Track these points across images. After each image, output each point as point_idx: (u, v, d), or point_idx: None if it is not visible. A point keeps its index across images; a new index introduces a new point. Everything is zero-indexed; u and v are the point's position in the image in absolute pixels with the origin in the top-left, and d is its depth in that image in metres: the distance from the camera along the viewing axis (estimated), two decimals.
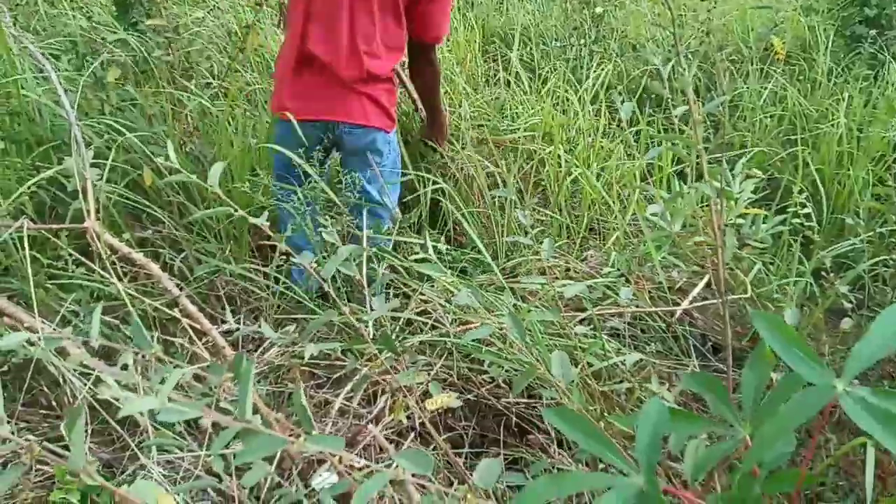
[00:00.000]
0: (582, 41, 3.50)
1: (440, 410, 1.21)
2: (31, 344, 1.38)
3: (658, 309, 1.84)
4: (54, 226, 1.59)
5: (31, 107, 2.00)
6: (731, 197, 1.90)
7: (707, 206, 2.07)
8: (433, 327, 1.79)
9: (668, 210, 1.85)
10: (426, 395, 1.36)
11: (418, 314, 1.81)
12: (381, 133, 2.08)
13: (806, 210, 1.72)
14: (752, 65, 3.28)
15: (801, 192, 1.87)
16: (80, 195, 1.49)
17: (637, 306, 1.97)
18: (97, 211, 1.60)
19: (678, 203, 2.03)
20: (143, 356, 1.29)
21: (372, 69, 1.98)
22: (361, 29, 1.95)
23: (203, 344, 1.67)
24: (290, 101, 2.02)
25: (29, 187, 1.67)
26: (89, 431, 1.37)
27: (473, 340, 1.70)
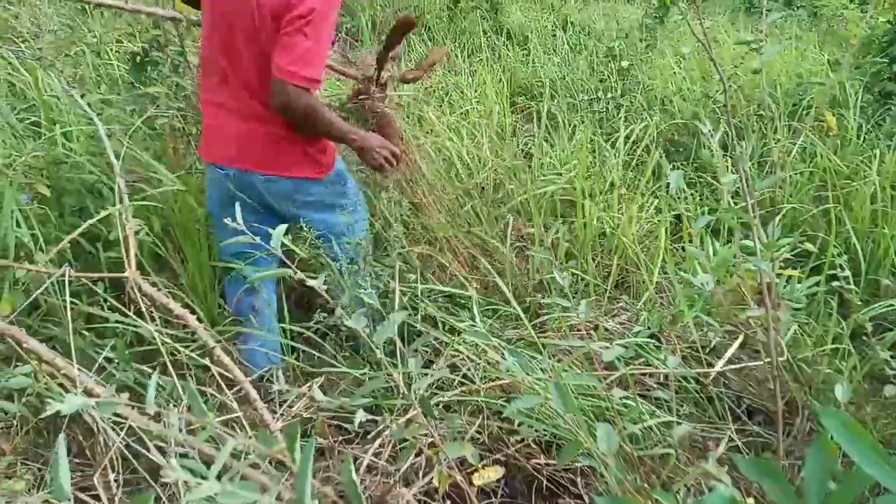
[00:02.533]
0: (609, 95, 3.54)
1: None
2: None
3: (693, 371, 1.80)
4: (96, 275, 1.62)
5: (75, 155, 2.07)
6: (769, 256, 1.88)
7: (742, 263, 2.06)
8: (461, 383, 1.77)
9: (702, 269, 1.84)
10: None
11: (448, 367, 1.80)
12: (311, 183, 1.90)
13: (845, 273, 1.69)
14: (780, 121, 3.29)
15: (839, 254, 1.84)
16: (122, 245, 1.53)
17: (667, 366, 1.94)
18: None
19: (711, 261, 2.02)
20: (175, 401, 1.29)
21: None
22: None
23: (233, 393, 1.68)
24: (204, 145, 1.94)
25: (72, 237, 1.70)
26: (120, 482, 1.36)
27: (505, 400, 1.69)
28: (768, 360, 1.85)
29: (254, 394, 1.52)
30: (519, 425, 1.66)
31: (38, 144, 1.96)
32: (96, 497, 1.38)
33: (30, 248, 1.86)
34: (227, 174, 1.88)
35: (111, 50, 3.18)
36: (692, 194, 2.63)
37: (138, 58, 2.28)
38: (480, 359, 1.76)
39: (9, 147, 2.16)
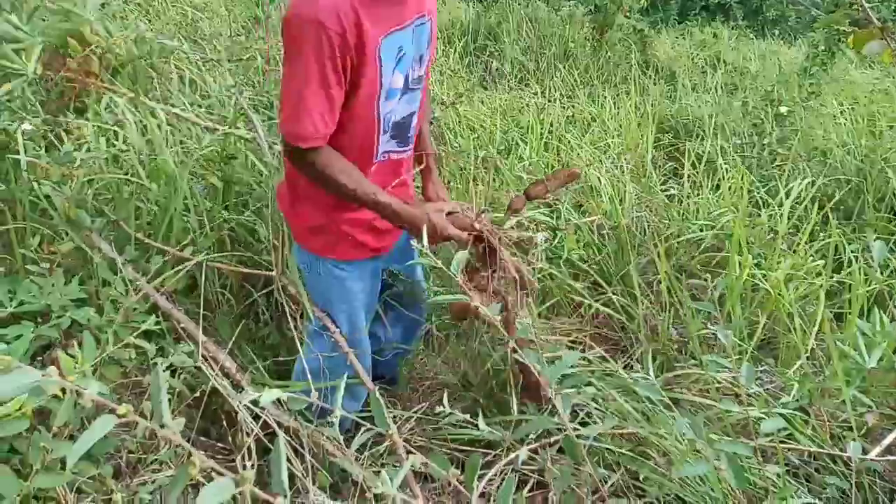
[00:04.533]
0: (765, 141, 3.34)
1: None
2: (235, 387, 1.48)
3: (844, 454, 1.63)
4: (245, 270, 1.73)
5: (243, 154, 2.23)
6: None
7: None
8: (583, 423, 1.71)
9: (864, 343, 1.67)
10: None
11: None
12: (297, 248, 1.62)
13: None
14: None
15: None
16: (272, 249, 1.62)
17: (814, 442, 1.78)
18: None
19: (876, 334, 1.83)
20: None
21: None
22: None
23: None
24: None
25: (230, 226, 1.82)
26: (254, 467, 1.43)
27: (630, 450, 1.62)
28: None
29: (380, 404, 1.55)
30: (643, 480, 1.58)
31: (214, 139, 2.13)
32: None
33: (196, 234, 2.01)
34: None
35: (279, 56, 3.41)
36: (854, 257, 2.41)
37: None
38: (606, 402, 1.70)
39: (187, 139, 2.36)
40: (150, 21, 3.84)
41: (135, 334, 1.31)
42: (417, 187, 1.86)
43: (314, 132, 1.33)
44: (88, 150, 2.04)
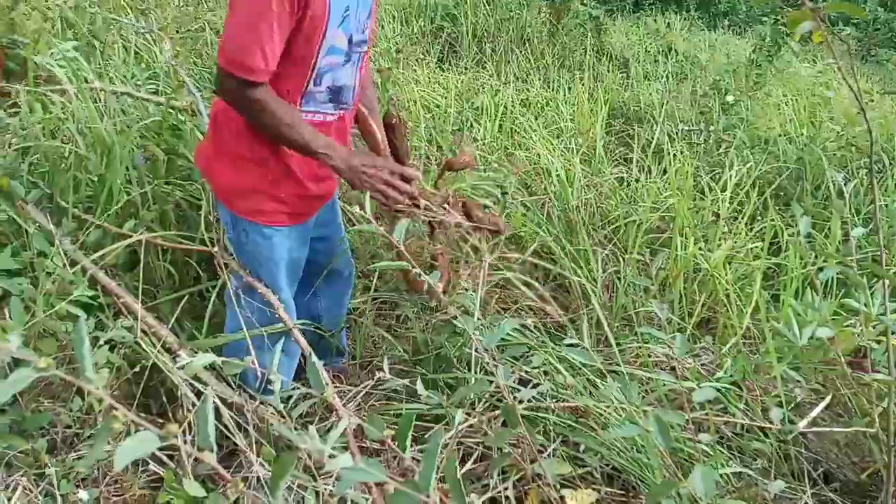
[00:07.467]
0: (711, 128, 3.43)
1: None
2: (170, 352, 1.45)
3: (773, 426, 1.71)
4: (185, 246, 1.69)
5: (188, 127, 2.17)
6: (871, 319, 1.78)
7: (843, 321, 1.95)
8: (529, 399, 1.75)
9: (798, 322, 1.75)
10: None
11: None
12: (220, 204, 1.57)
13: None
14: (892, 179, 3.11)
15: None
16: (208, 224, 1.59)
17: (746, 416, 1.86)
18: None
19: (808, 314, 1.92)
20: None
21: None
22: None
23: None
24: None
25: (175, 200, 1.77)
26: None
27: (574, 422, 1.66)
28: (857, 428, 1.74)
29: (327, 377, 1.55)
30: (584, 451, 1.62)
31: (157, 109, 2.07)
32: (171, 457, 1.44)
33: (137, 206, 1.96)
34: None
35: None
36: (791, 240, 2.51)
37: None
38: (548, 376, 1.74)
39: (129, 108, 2.28)
40: None
41: (66, 301, 1.27)
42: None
43: (264, 66, 1.31)
44: (20, 118, 1.95)
